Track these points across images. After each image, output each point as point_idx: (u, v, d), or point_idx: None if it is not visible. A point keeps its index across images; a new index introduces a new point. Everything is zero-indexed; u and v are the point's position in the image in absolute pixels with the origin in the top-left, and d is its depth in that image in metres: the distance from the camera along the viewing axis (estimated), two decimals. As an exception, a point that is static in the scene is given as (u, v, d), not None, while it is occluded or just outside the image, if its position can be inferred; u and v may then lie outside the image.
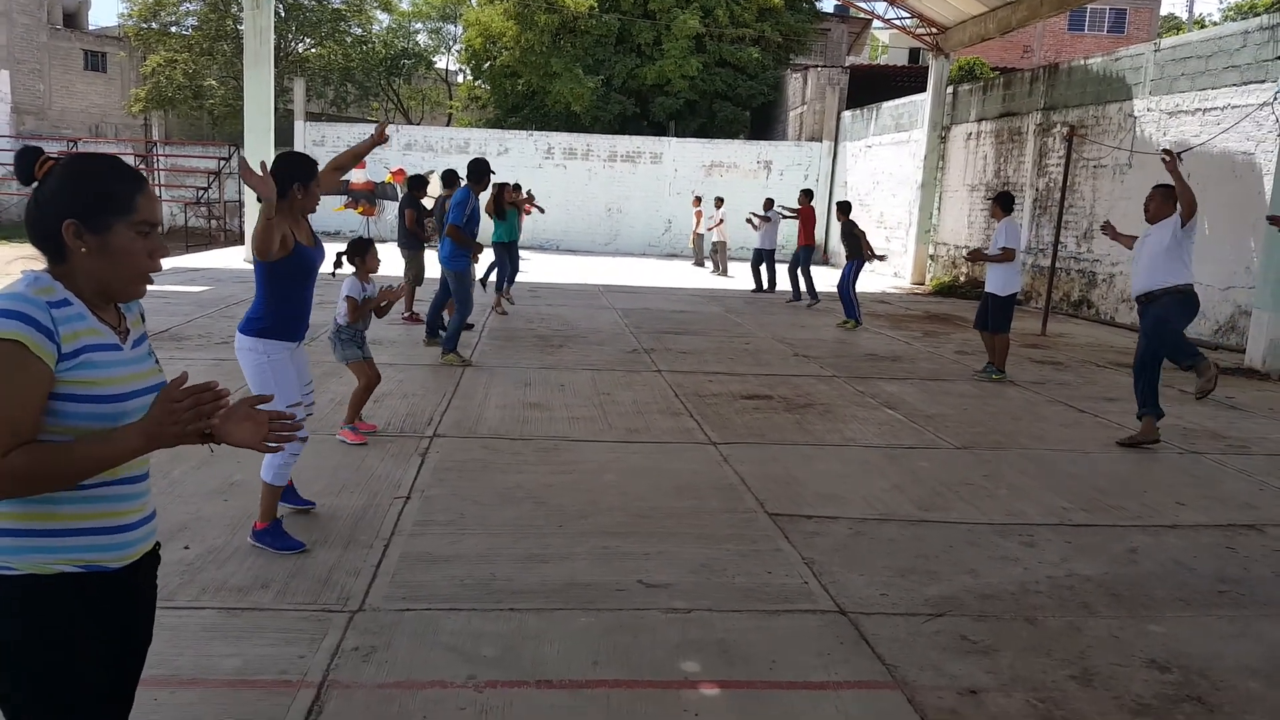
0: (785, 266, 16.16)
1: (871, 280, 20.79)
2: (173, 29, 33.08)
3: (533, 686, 3.19)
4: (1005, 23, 17.40)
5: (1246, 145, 11.95)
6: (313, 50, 34.87)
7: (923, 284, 20.18)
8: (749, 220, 17.43)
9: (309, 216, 4.42)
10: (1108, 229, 7.57)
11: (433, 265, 10.09)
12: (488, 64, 31.92)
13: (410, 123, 38.62)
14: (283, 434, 1.88)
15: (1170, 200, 6.87)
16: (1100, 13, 36.33)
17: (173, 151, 28.63)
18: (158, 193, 23.84)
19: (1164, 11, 44.42)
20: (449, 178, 11.15)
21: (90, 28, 39.87)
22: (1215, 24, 44.42)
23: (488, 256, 12.04)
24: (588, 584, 4.02)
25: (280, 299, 4.27)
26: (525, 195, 14.08)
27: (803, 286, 15.37)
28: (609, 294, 15.84)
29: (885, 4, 20.54)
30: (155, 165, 26.34)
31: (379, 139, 5.01)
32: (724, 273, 20.50)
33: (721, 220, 20.38)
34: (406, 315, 11.35)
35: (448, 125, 38.36)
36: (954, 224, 19.75)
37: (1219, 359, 9.06)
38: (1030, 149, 17.06)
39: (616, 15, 29.38)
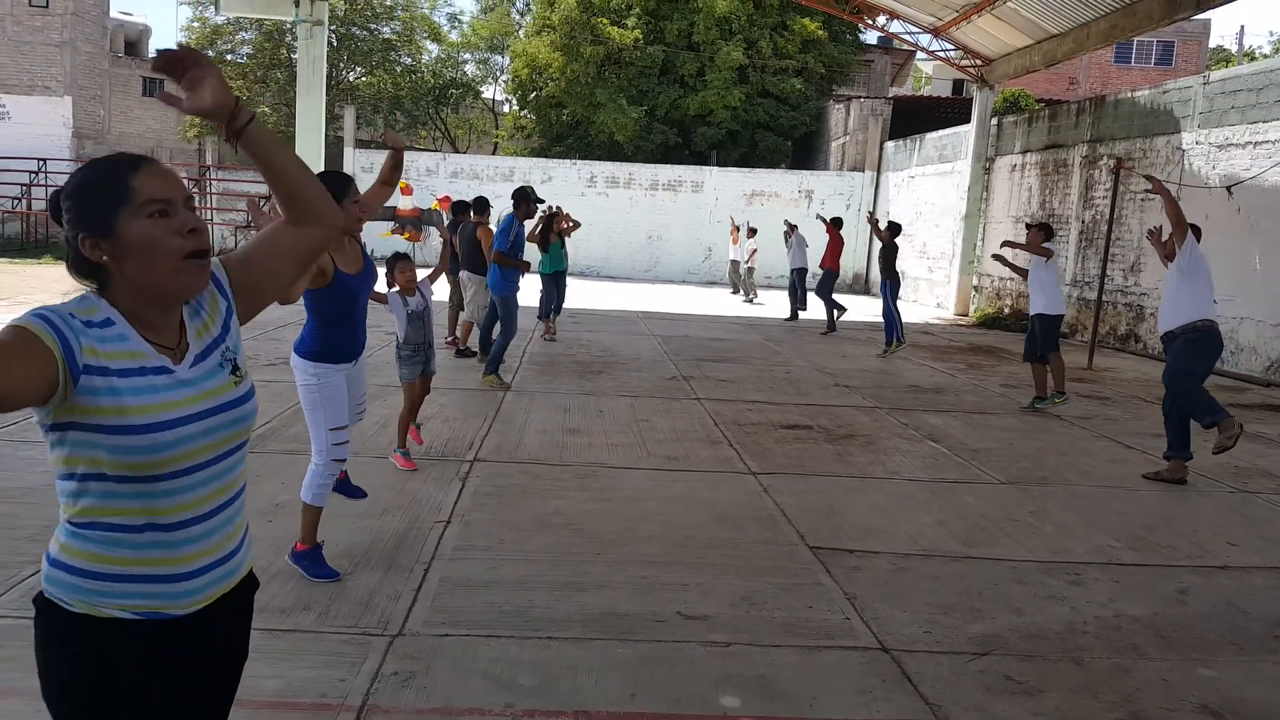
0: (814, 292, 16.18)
1: (915, 311, 20.66)
2: (228, 57, 33.96)
3: (570, 717, 3.17)
4: (1051, 55, 17.30)
5: (1300, 179, 11.74)
6: (363, 79, 35.58)
7: (966, 315, 20.00)
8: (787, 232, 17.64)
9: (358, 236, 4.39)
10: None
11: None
12: (533, 94, 32.30)
13: (457, 151, 39.14)
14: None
15: (1174, 235, 6.74)
16: (1147, 45, 35.97)
17: (225, 176, 29.24)
18: (207, 216, 24.19)
19: (1213, 44, 43.90)
20: (459, 207, 11.38)
21: (149, 55, 41.00)
22: (1265, 56, 43.83)
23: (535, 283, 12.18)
24: (626, 614, 4.01)
25: (328, 323, 4.23)
26: (557, 211, 14.17)
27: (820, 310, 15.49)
28: (648, 321, 15.87)
29: (930, 36, 20.50)
30: (208, 189, 26.90)
31: (393, 146, 4.61)
32: (752, 298, 20.67)
33: (755, 250, 20.59)
34: (450, 339, 11.44)
35: (493, 154, 38.82)
36: (998, 256, 19.57)
37: (1270, 396, 8.87)
38: (1076, 181, 16.89)
39: (661, 47, 29.64)
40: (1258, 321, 12.27)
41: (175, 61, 1.59)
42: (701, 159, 29.91)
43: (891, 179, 25.50)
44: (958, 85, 35.15)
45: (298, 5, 18.25)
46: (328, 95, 21.69)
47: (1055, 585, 4.62)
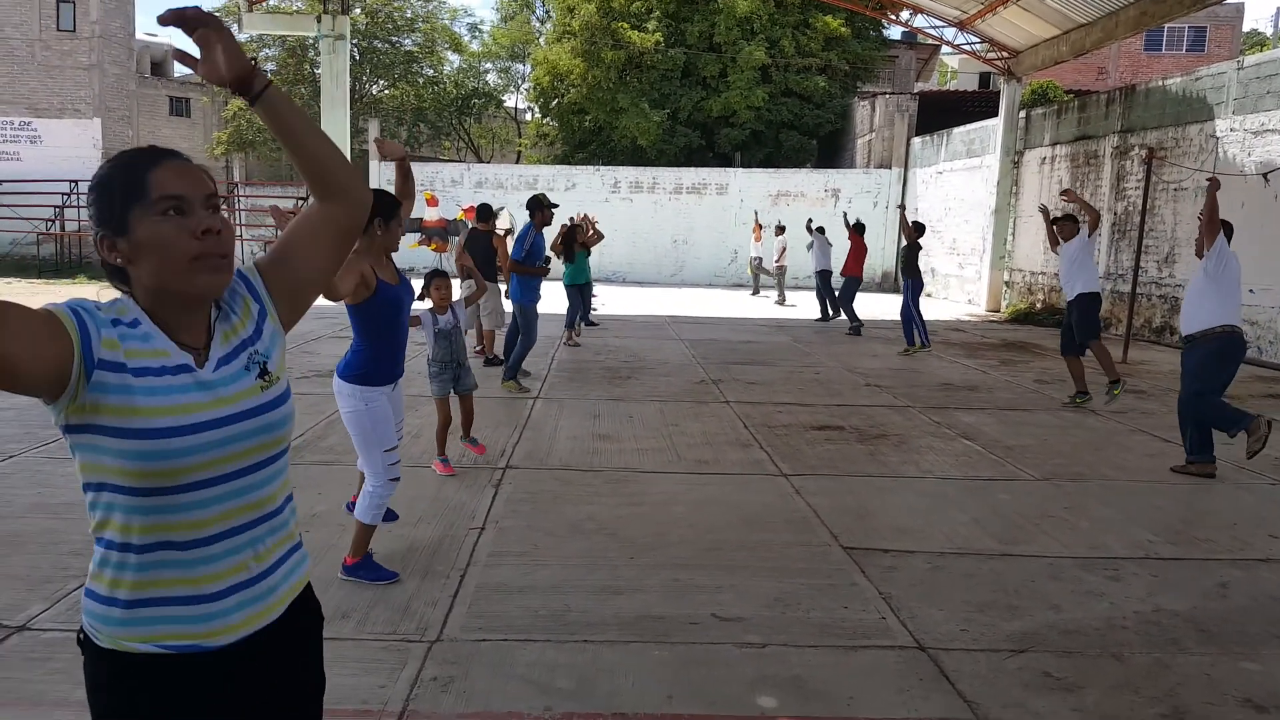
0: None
1: (946, 308, 20.53)
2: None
3: (608, 719, 3.19)
4: (1079, 45, 17.13)
5: (1336, 164, 11.54)
6: (386, 92, 35.90)
7: (998, 311, 19.83)
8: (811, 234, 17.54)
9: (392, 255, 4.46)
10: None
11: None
12: (555, 101, 32.42)
13: (481, 161, 39.39)
14: None
15: (1204, 235, 6.61)
16: (1178, 32, 35.52)
17: (253, 192, 29.61)
18: (237, 232, 24.41)
19: (1246, 28, 43.27)
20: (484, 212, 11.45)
21: (175, 75, 41.63)
22: (1299, 40, 43.10)
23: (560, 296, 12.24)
24: (661, 616, 4.02)
25: (373, 339, 4.30)
26: (581, 221, 14.21)
27: (840, 313, 15.43)
28: (676, 325, 15.88)
29: (955, 30, 20.37)
30: (236, 205, 27.23)
31: (388, 157, 4.51)
32: (782, 300, 20.52)
33: (784, 248, 20.41)
34: (479, 349, 11.51)
35: (517, 163, 39.02)
36: (1029, 250, 19.38)
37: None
38: (1107, 172, 16.71)
39: (682, 49, 29.65)
40: (1296, 310, 12.07)
41: (183, 20, 1.51)
42: (726, 161, 29.88)
43: (919, 175, 25.35)
44: (984, 79, 34.91)
45: (320, 21, 18.47)
46: (352, 109, 21.92)
47: (1093, 581, 4.58)
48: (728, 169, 27.88)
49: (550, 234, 10.46)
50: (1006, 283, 20.18)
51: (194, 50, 1.58)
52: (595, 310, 15.64)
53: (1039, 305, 18.47)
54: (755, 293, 22.86)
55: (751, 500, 5.80)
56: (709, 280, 26.79)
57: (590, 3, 29.65)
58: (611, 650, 3.69)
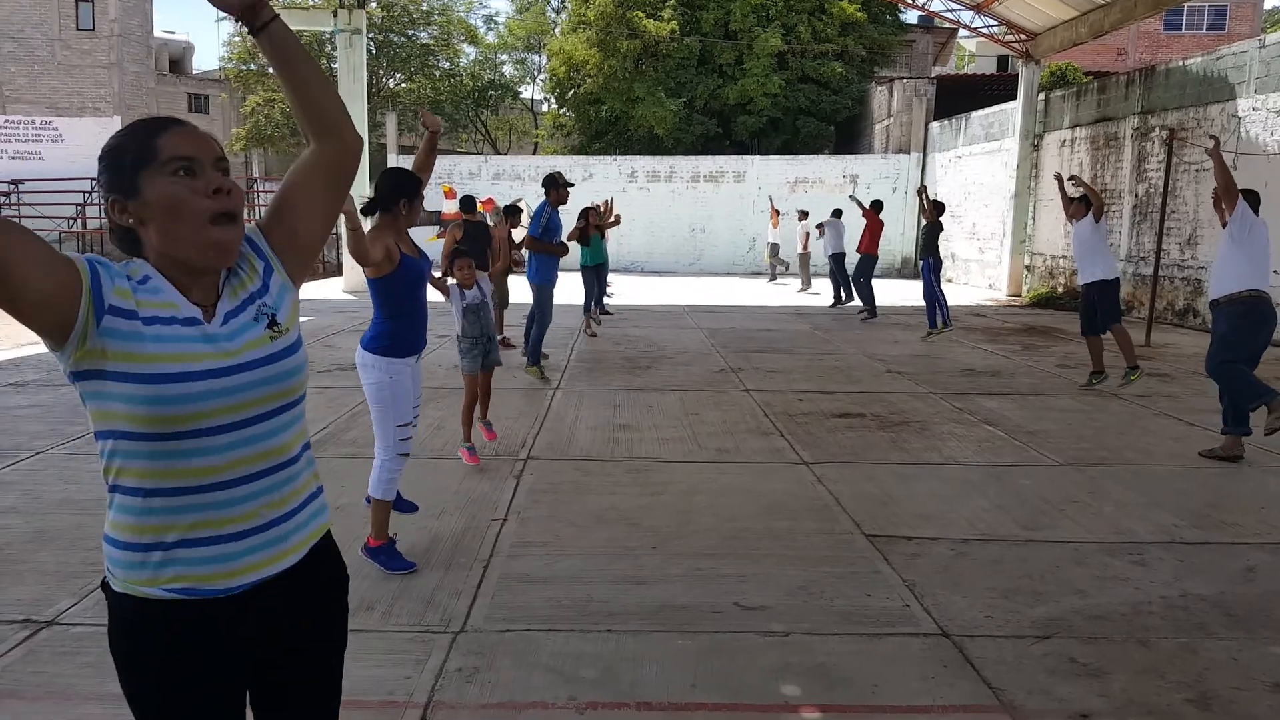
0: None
1: (966, 293, 20.41)
2: (270, 70, 34.51)
3: (632, 708, 3.20)
4: (1098, 26, 16.94)
5: (1363, 142, 11.37)
6: (403, 85, 35.95)
7: (1019, 296, 19.70)
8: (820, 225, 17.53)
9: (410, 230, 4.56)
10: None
11: (520, 290, 10.28)
12: (571, 92, 32.39)
13: (498, 152, 39.43)
14: None
15: (1223, 202, 6.53)
16: (1199, 11, 35.03)
17: (272, 187, 29.69)
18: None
19: (1269, 5, 42.66)
20: (509, 210, 11.60)
21: (194, 72, 41.87)
22: (1324, 16, 42.45)
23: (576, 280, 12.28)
24: (684, 606, 4.02)
25: (394, 311, 4.37)
26: (596, 206, 14.22)
27: (854, 295, 15.37)
28: (694, 314, 15.86)
29: (972, 13, 20.19)
30: (256, 200, 27.37)
31: (429, 128, 4.83)
32: (807, 287, 20.42)
33: (808, 234, 20.33)
34: (499, 338, 11.56)
35: (534, 154, 39.03)
36: (1049, 234, 19.23)
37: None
38: (1128, 154, 16.54)
39: (698, 37, 29.53)
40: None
41: None
42: (743, 148, 29.76)
43: (938, 160, 25.17)
44: (1002, 62, 34.58)
45: (336, 15, 18.49)
46: (369, 103, 21.95)
47: (1118, 566, 4.55)
48: (745, 157, 27.78)
49: (567, 219, 10.48)
50: (1027, 267, 20.03)
51: None
52: (609, 297, 15.62)
53: (1060, 289, 18.32)
54: (772, 279, 22.79)
55: (773, 489, 5.79)
56: (727, 268, 26.74)
57: (605, -8, 29.59)
58: (635, 640, 3.70)
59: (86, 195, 27.22)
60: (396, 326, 4.37)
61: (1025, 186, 19.76)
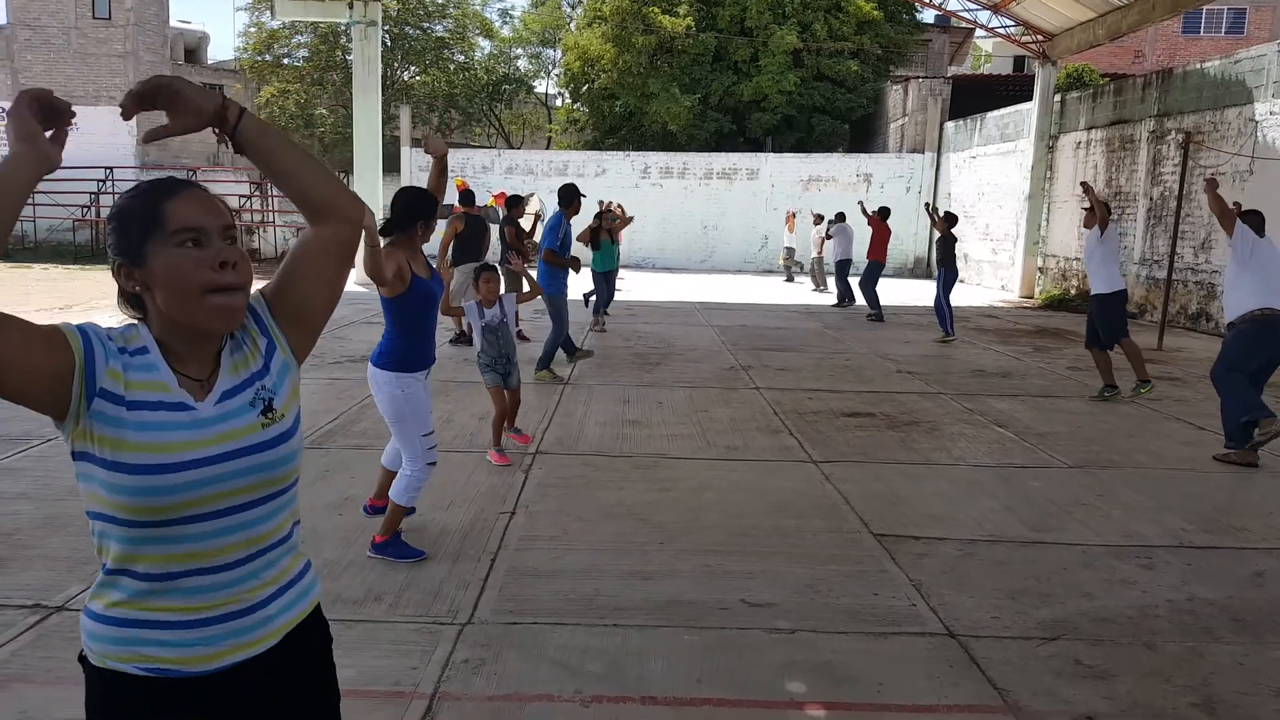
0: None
1: (979, 294, 20.35)
2: (285, 61, 34.52)
3: (638, 702, 3.21)
4: (1115, 28, 16.86)
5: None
6: (418, 78, 35.94)
7: (1031, 297, 19.63)
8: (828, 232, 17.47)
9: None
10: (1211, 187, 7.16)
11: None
12: (586, 87, 32.35)
13: (511, 147, 39.43)
14: None
15: (1224, 228, 6.61)
16: (1217, 14, 34.80)
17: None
18: (269, 219, 24.63)
19: (1288, 9, 42.24)
20: (512, 201, 11.57)
21: (209, 62, 42.02)
22: (1345, 20, 42.03)
23: (585, 276, 12.26)
24: (690, 602, 4.03)
25: (405, 330, 4.41)
26: (606, 210, 14.21)
27: (859, 299, 15.35)
28: (705, 311, 15.85)
29: (988, 13, 20.10)
30: (269, 192, 27.45)
31: (433, 154, 4.83)
32: (822, 288, 20.35)
33: (824, 238, 20.33)
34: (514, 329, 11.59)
35: (547, 148, 39.02)
36: (1063, 235, 19.15)
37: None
38: (1143, 157, 16.45)
39: (713, 34, 29.46)
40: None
41: (140, 97, 1.48)
42: (756, 146, 29.71)
43: (952, 160, 25.09)
44: (1019, 62, 34.42)
45: (351, 7, 18.52)
46: (383, 95, 21.99)
47: (1126, 569, 4.54)
48: (758, 154, 27.73)
49: (580, 219, 10.48)
50: (1040, 268, 19.95)
51: (166, 118, 1.54)
52: (616, 293, 15.63)
53: (1073, 291, 18.25)
54: (789, 279, 22.79)
55: (782, 486, 5.79)
56: (739, 266, 26.71)
57: (620, -13, 29.55)
58: (641, 634, 3.71)
59: (100, 184, 27.36)
60: (407, 342, 4.42)
61: (1039, 188, 19.68)
